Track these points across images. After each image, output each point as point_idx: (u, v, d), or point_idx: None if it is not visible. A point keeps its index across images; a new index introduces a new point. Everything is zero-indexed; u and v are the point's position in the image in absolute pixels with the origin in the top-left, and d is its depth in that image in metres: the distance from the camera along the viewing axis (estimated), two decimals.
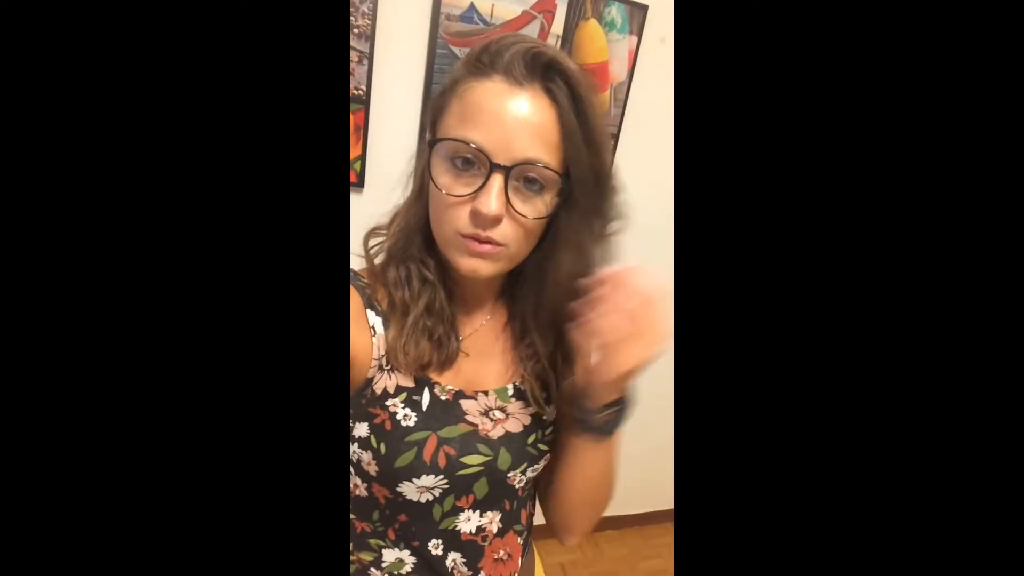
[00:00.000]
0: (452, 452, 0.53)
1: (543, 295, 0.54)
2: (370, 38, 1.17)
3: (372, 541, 0.58)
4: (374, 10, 1.16)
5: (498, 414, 0.57)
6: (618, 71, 1.40)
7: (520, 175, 0.47)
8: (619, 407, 0.53)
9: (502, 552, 0.61)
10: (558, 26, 1.31)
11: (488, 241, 0.48)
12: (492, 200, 0.45)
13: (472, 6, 1.22)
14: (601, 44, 1.36)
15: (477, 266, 0.49)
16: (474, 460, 0.54)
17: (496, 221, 0.47)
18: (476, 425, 0.55)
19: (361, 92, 1.20)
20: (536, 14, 1.28)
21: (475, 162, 0.47)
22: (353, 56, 1.18)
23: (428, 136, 0.51)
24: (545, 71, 0.46)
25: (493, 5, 1.24)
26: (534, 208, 0.48)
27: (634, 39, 1.38)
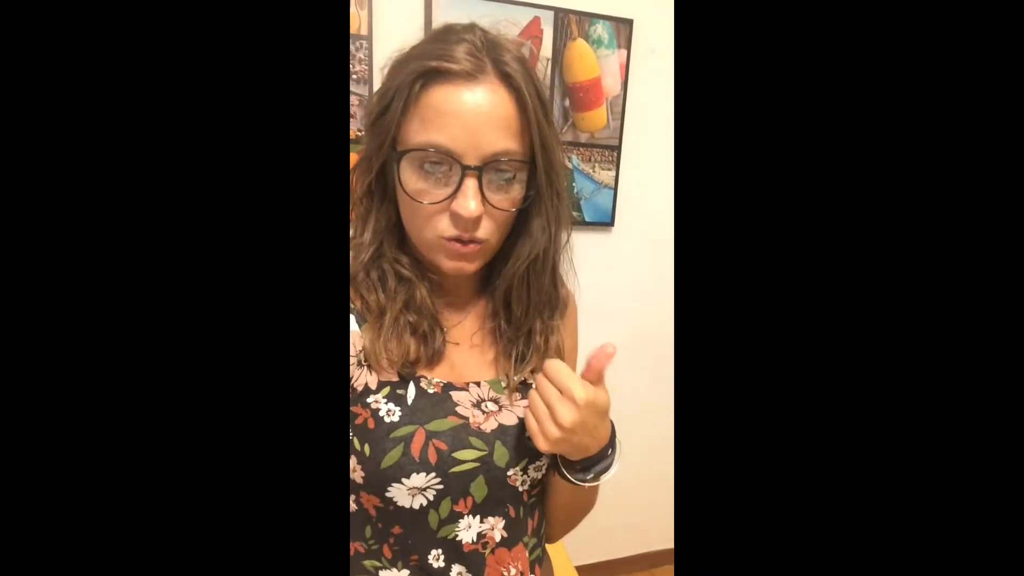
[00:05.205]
0: (443, 447, 0.50)
1: (517, 282, 0.54)
2: (368, 82, 1.21)
3: (367, 563, 0.53)
4: (369, 56, 1.20)
5: (491, 406, 0.54)
6: (611, 85, 1.41)
7: (492, 170, 0.47)
8: (592, 462, 0.52)
9: (512, 568, 0.56)
10: (547, 50, 1.34)
11: (472, 240, 0.49)
12: (470, 202, 0.46)
13: None
14: (591, 62, 1.38)
15: (463, 267, 0.50)
16: (468, 455, 0.51)
17: (477, 222, 0.48)
18: (467, 418, 0.52)
19: (362, 135, 1.23)
20: (524, 41, 1.31)
21: (443, 163, 0.46)
22: (352, 100, 1.22)
23: (371, 138, 0.52)
24: (497, 57, 0.46)
25: None
26: (510, 198, 0.49)
27: (623, 52, 1.40)
